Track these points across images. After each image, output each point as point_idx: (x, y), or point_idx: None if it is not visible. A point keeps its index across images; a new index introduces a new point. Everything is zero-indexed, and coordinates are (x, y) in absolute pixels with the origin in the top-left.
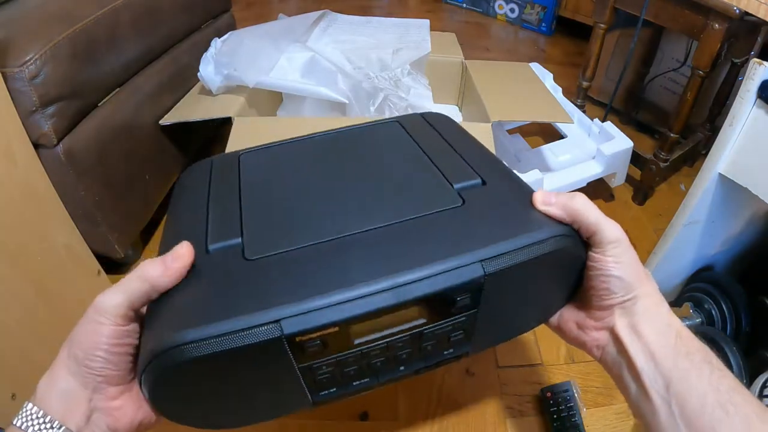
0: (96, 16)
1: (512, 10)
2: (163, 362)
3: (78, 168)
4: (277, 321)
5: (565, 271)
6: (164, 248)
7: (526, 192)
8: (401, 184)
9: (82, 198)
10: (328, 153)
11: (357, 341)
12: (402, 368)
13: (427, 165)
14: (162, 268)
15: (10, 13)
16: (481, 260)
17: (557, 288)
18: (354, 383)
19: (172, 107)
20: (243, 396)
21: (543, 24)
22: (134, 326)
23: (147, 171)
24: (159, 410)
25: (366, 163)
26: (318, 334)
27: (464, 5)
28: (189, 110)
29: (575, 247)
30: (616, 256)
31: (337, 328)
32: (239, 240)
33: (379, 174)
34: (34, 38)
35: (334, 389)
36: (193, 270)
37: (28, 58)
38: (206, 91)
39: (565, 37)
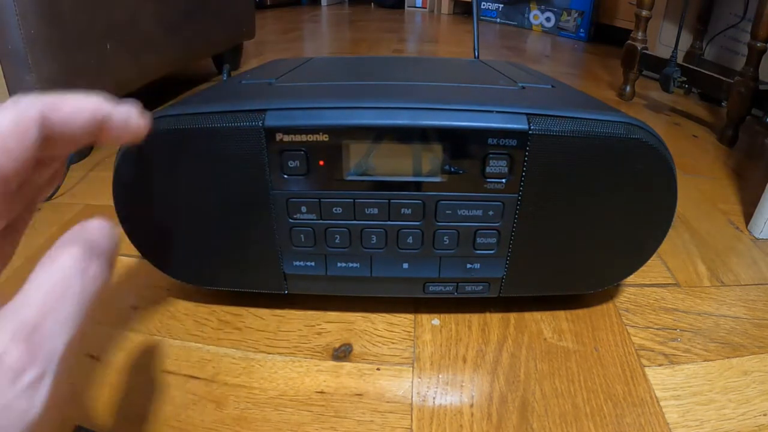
0: None
1: (548, 20)
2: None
3: None
4: (261, 111)
5: (644, 190)
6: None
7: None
8: (462, 78)
9: (16, 23)
10: (397, 60)
11: (349, 176)
12: (406, 265)
13: (495, 73)
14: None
15: None
16: (528, 113)
17: (633, 223)
18: (339, 263)
19: None
20: (203, 223)
21: (581, 30)
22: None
23: (110, 39)
24: (118, 194)
25: (431, 64)
26: (302, 138)
27: (498, 20)
28: None
29: (658, 148)
30: None
31: (326, 137)
32: (273, 80)
33: (441, 72)
34: None
35: (313, 263)
36: (220, 90)
37: None
38: None
39: (603, 43)
